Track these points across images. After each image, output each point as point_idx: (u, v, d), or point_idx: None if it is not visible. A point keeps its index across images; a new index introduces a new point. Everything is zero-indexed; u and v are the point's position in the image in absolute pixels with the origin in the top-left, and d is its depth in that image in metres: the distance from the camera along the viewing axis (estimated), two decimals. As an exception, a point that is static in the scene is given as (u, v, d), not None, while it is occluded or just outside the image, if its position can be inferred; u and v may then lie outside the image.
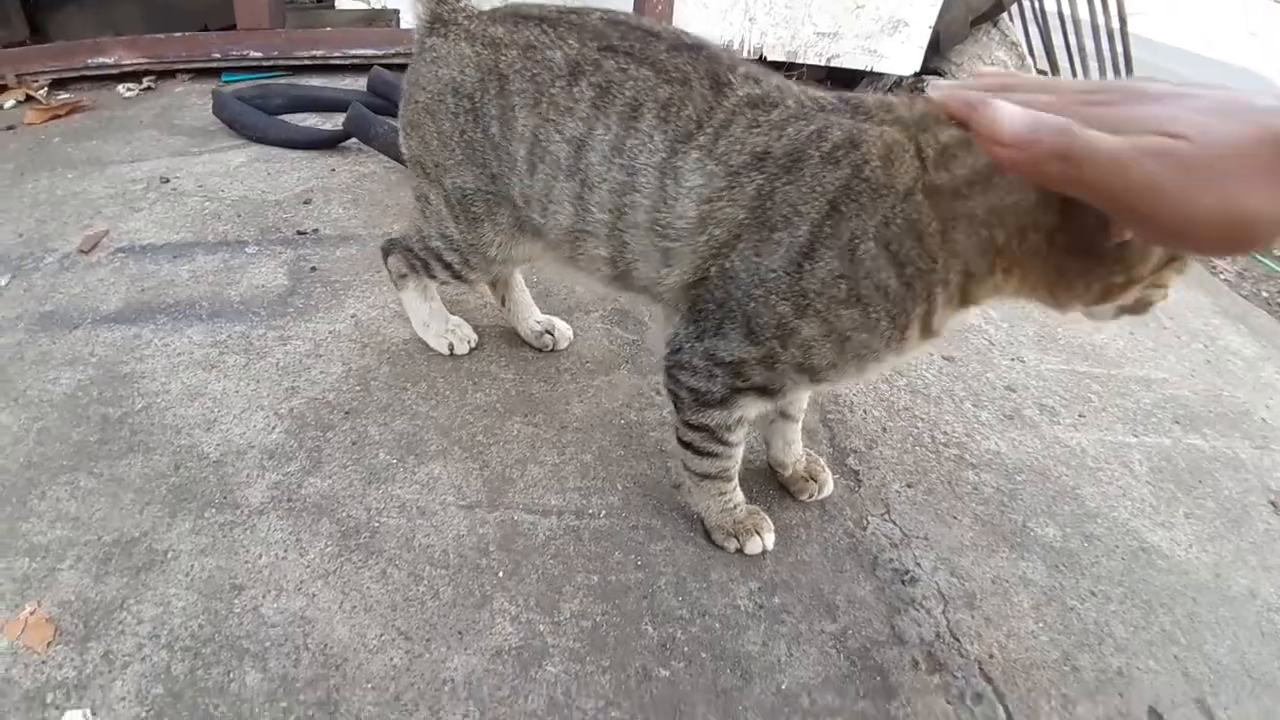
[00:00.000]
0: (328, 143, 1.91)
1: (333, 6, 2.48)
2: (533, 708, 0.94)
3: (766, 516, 1.16)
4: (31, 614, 0.99)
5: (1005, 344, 1.72)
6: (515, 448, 1.25)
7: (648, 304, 1.12)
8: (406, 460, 1.22)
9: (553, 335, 1.44)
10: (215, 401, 1.30)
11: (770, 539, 1.14)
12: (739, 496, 1.15)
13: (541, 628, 1.02)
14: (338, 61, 2.23)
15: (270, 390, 1.32)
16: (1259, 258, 3.25)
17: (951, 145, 0.83)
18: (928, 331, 0.91)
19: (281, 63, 2.24)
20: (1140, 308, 0.84)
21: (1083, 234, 0.77)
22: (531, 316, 1.44)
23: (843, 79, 3.34)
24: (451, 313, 1.45)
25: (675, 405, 1.05)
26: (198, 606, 1.01)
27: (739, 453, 1.09)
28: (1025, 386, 1.61)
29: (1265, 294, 2.92)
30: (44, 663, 0.94)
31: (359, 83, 2.18)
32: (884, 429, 1.40)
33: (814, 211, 0.87)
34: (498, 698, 0.94)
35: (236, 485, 1.17)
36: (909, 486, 1.30)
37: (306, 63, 2.25)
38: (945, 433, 1.44)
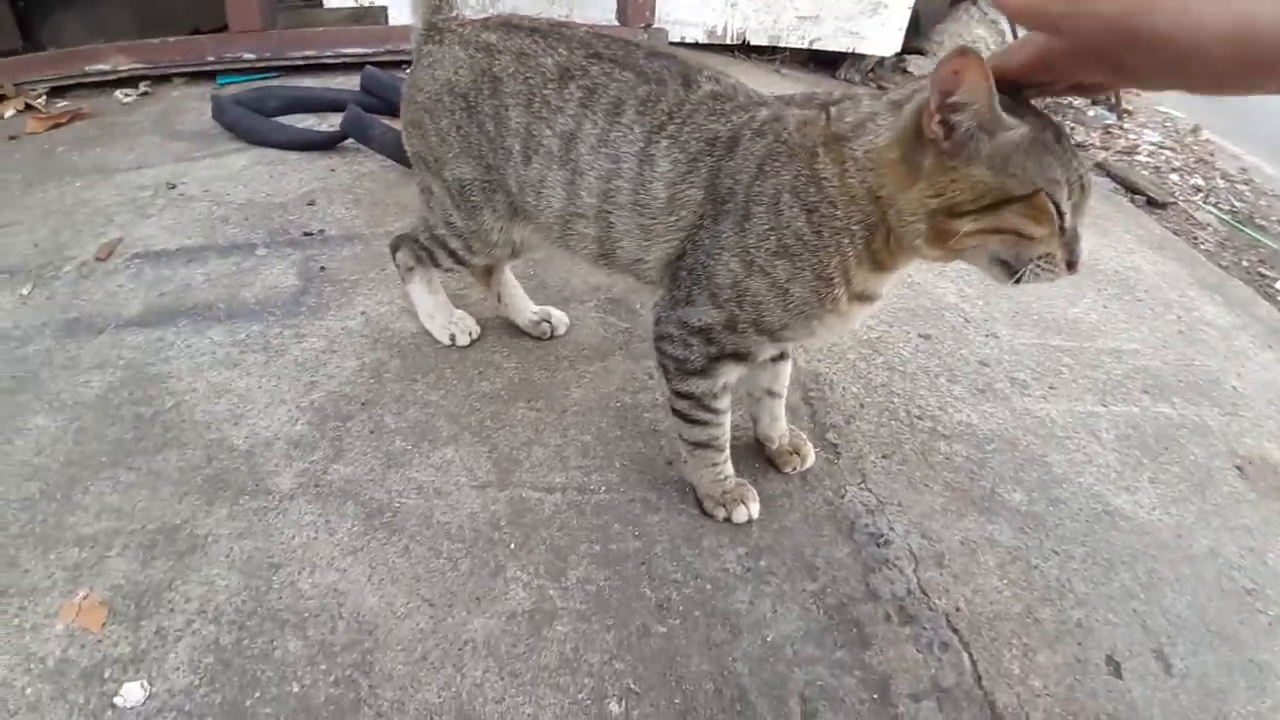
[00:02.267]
0: (325, 144, 2.06)
1: (321, 5, 2.60)
2: (545, 662, 1.10)
3: (752, 488, 1.32)
4: (85, 599, 1.14)
5: (980, 320, 1.88)
6: (520, 431, 1.41)
7: (636, 287, 1.30)
8: (421, 446, 1.38)
9: (550, 323, 1.60)
10: (240, 398, 1.46)
11: (755, 508, 1.31)
12: (729, 469, 1.31)
13: (551, 592, 1.18)
14: (329, 60, 2.37)
15: (291, 385, 1.48)
16: (1240, 226, 3.40)
17: (849, 102, 1.04)
18: (852, 289, 1.06)
19: (274, 64, 2.38)
20: (1021, 259, 0.93)
21: (910, 156, 0.94)
22: (528, 308, 1.60)
23: (825, 61, 3.50)
24: (456, 308, 1.60)
25: (664, 376, 1.23)
26: (239, 584, 1.17)
27: (726, 421, 1.25)
28: (999, 361, 1.77)
29: (1245, 263, 3.07)
30: (100, 642, 1.09)
31: (351, 81, 2.32)
32: (861, 404, 1.57)
33: (746, 176, 1.06)
34: (514, 654, 1.11)
35: (266, 474, 1.33)
36: (884, 458, 1.46)
37: (299, 63, 2.39)
38: (920, 406, 1.60)
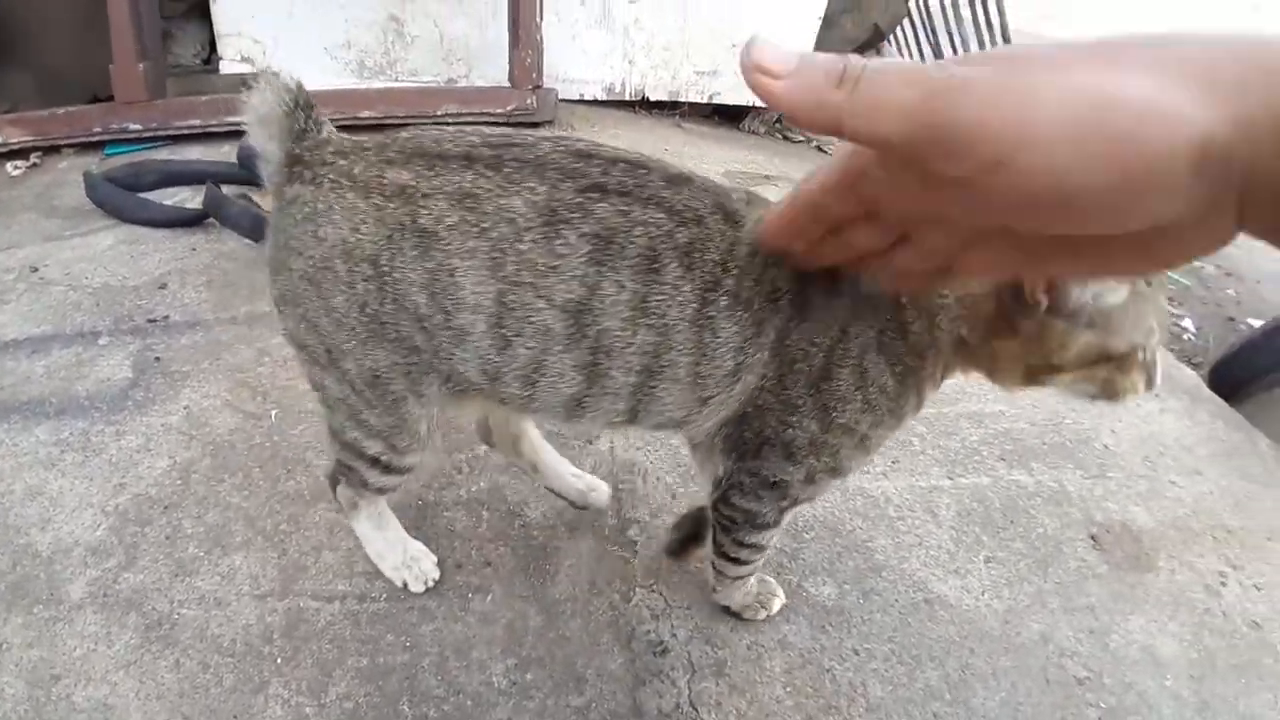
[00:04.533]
0: (190, 221, 2.09)
1: (217, 71, 2.65)
2: None
3: (771, 579, 1.39)
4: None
5: (832, 392, 1.85)
6: (314, 534, 1.42)
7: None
8: (213, 552, 1.40)
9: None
10: (52, 501, 1.48)
11: (781, 595, 1.39)
12: (753, 581, 1.33)
13: (308, 710, 1.19)
14: (216, 130, 2.40)
15: (100, 487, 1.50)
16: None
17: None
18: (919, 409, 1.06)
19: (161, 134, 2.42)
20: (1110, 394, 0.96)
21: (1008, 313, 0.91)
22: (568, 472, 1.48)
23: (728, 114, 3.52)
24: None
25: (726, 528, 1.16)
26: (24, 694, 1.20)
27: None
28: (842, 437, 1.74)
29: None
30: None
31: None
32: (673, 496, 1.55)
33: (828, 340, 0.95)
34: None
35: (62, 581, 1.36)
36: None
37: (186, 132, 2.43)
38: (739, 496, 1.58)
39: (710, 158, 3.02)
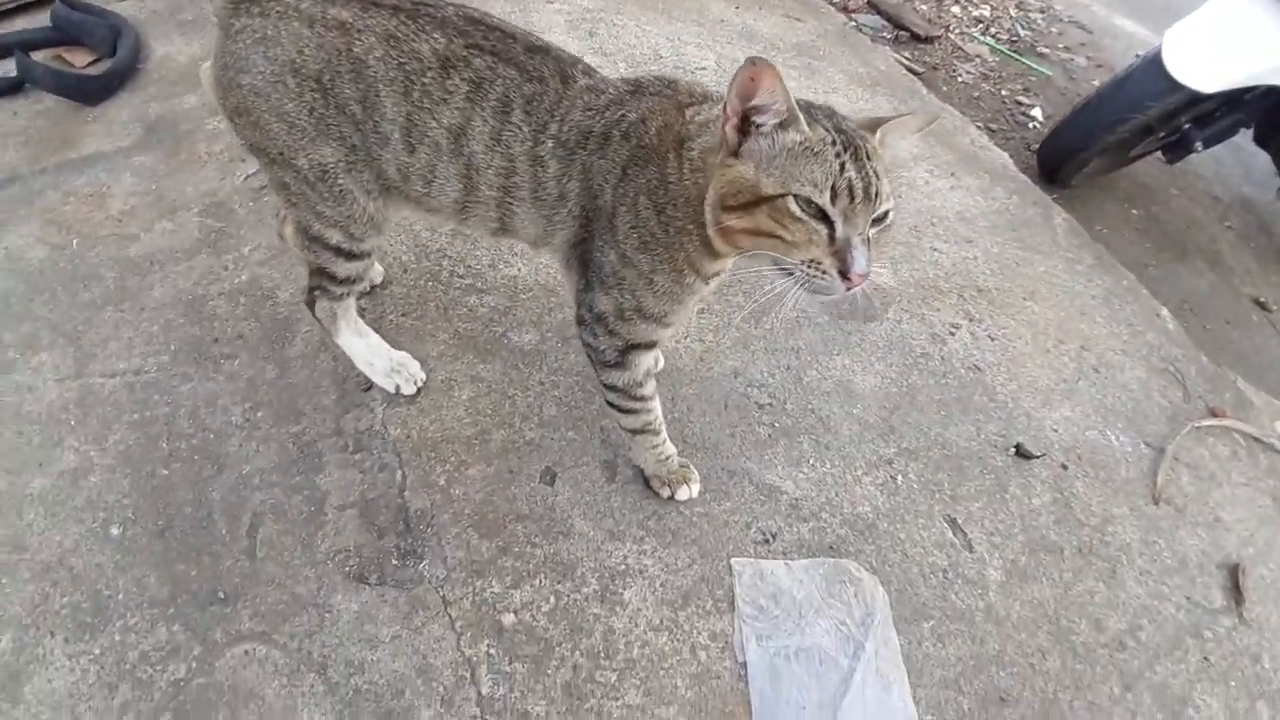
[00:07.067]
0: (10, 89, 2.39)
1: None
2: (76, 503, 1.54)
3: (694, 469, 1.65)
4: None
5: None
6: (103, 330, 1.82)
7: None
8: (25, 353, 1.81)
9: None
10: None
11: (696, 488, 1.64)
12: (670, 449, 1.61)
13: (92, 454, 1.62)
14: (35, -1, 2.64)
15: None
16: (1014, 55, 3.46)
17: (706, 105, 1.21)
18: (702, 274, 1.26)
19: (-12, 9, 2.68)
20: (789, 256, 1.07)
21: (714, 157, 1.12)
22: None
23: None
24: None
25: (593, 368, 1.46)
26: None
27: (656, 405, 1.52)
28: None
29: (1005, 93, 3.21)
30: None
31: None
32: (405, 270, 1.93)
33: (614, 178, 1.23)
34: (57, 501, 1.55)
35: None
36: (403, 315, 1.84)
37: (9, 6, 2.68)
38: (469, 267, 1.96)
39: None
